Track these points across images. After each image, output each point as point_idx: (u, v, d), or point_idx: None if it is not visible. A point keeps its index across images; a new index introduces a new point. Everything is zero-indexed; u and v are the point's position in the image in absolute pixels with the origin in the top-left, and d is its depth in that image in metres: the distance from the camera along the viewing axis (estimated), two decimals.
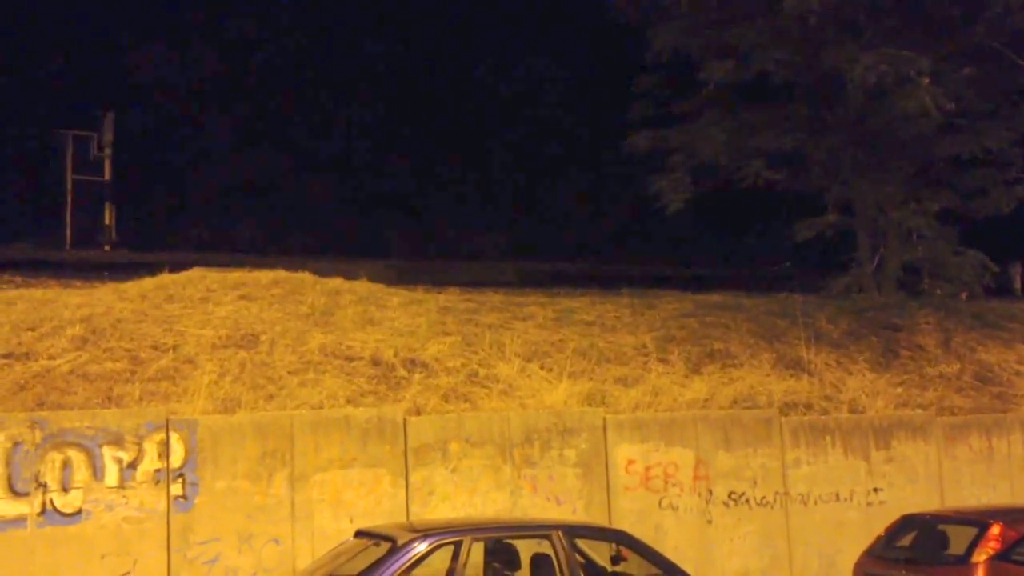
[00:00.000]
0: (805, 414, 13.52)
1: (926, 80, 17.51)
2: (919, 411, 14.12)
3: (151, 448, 10.57)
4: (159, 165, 26.35)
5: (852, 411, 13.85)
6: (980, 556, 10.61)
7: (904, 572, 10.95)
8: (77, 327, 12.19)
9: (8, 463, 10.11)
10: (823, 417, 13.51)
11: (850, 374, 14.62)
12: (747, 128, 19.83)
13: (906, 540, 11.49)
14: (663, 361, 14.00)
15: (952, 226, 19.98)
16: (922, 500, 13.24)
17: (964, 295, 19.02)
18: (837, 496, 13.11)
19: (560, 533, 9.10)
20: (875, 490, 13.31)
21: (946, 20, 19.10)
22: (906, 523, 11.70)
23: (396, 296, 14.52)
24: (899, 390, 14.55)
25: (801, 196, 20.62)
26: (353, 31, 28.63)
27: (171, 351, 12.09)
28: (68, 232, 21.84)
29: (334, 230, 25.90)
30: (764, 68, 19.24)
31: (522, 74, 28.64)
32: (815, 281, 19.57)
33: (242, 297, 13.53)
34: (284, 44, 28.43)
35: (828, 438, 13.25)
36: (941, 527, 11.38)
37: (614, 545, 9.62)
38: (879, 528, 12.05)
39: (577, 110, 27.33)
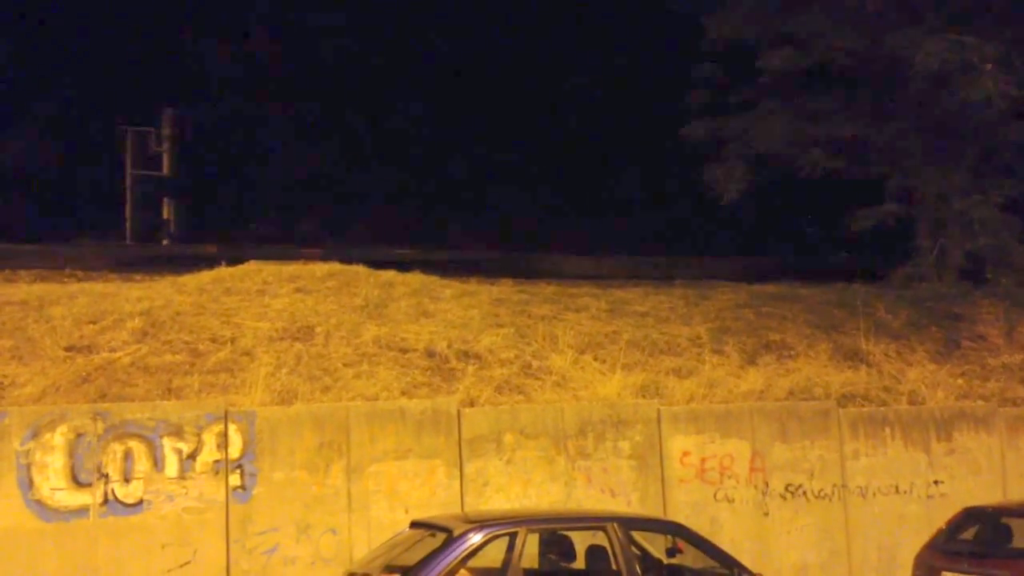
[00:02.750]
0: (864, 406, 13.33)
1: (989, 67, 17.18)
2: (981, 402, 13.86)
3: (210, 439, 10.72)
4: (219, 159, 26.69)
5: (912, 402, 13.64)
6: None
7: (967, 565, 10.77)
8: (137, 320, 12.41)
9: (71, 454, 10.32)
10: (882, 408, 13.31)
11: (910, 365, 14.39)
12: (806, 116, 19.60)
13: (969, 533, 11.30)
14: (718, 352, 13.89)
15: (1016, 214, 19.58)
16: (984, 492, 12.99)
17: None
18: (897, 488, 12.91)
19: (616, 525, 9.05)
20: (936, 482, 13.09)
21: (1010, 4, 18.70)
22: (968, 516, 11.50)
23: (449, 288, 14.57)
24: (960, 381, 14.30)
25: (860, 185, 20.33)
26: (413, 21, 28.73)
27: (229, 343, 12.26)
28: (128, 227, 22.26)
29: (395, 222, 26.03)
30: (824, 56, 19.00)
31: (579, 63, 28.50)
32: (875, 271, 19.27)
33: (298, 290, 13.67)
34: (343, 36, 28.60)
35: (887, 430, 13.04)
36: (1005, 520, 11.17)
37: (670, 537, 9.54)
38: (940, 521, 11.84)
39: (635, 99, 27.16)
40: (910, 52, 17.72)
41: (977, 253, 19.54)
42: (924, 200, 19.74)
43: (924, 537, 11.77)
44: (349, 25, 28.51)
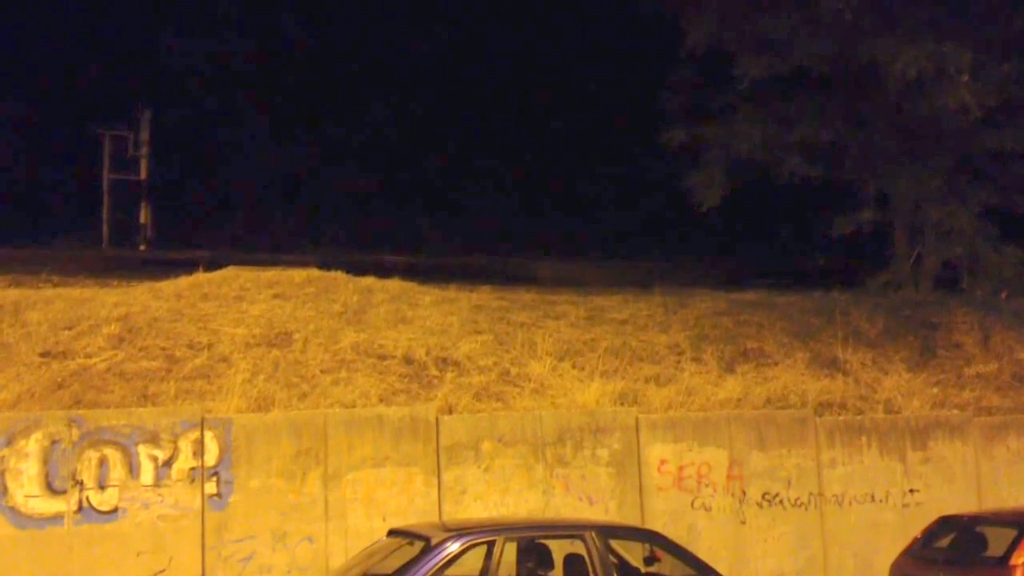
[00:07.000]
0: (840, 414, 13.39)
1: (965, 77, 17.29)
2: (956, 411, 13.95)
3: (186, 446, 10.67)
4: (196, 160, 26.54)
5: (888, 411, 13.71)
6: (1019, 558, 10.47)
7: (942, 574, 10.84)
8: (114, 326, 12.32)
9: (46, 461, 10.23)
10: (858, 417, 13.38)
11: (886, 374, 14.47)
12: (783, 122, 19.64)
13: (944, 541, 11.37)
14: (696, 360, 13.92)
15: (992, 222, 19.72)
16: (959, 501, 13.08)
17: (1005, 294, 18.75)
18: (873, 497, 12.98)
19: (593, 533, 9.09)
20: (911, 491, 13.17)
21: (985, 10, 18.83)
22: (943, 524, 11.57)
23: (428, 294, 14.54)
24: (936, 390, 14.38)
25: (838, 191, 20.44)
26: (389, 23, 28.66)
27: (206, 350, 12.19)
28: (105, 231, 22.13)
29: (371, 223, 25.94)
30: (801, 61, 19.06)
31: (558, 66, 28.50)
32: (851, 278, 19.37)
33: (276, 296, 13.61)
34: (319, 36, 28.51)
35: (864, 438, 13.11)
36: (979, 529, 11.25)
37: (647, 545, 9.60)
38: (915, 529, 11.92)
39: (614, 103, 27.17)
40: (887, 59, 17.81)
41: (953, 261, 19.68)
42: (900, 207, 19.85)
43: (900, 545, 11.85)
44: (324, 26, 28.46)
